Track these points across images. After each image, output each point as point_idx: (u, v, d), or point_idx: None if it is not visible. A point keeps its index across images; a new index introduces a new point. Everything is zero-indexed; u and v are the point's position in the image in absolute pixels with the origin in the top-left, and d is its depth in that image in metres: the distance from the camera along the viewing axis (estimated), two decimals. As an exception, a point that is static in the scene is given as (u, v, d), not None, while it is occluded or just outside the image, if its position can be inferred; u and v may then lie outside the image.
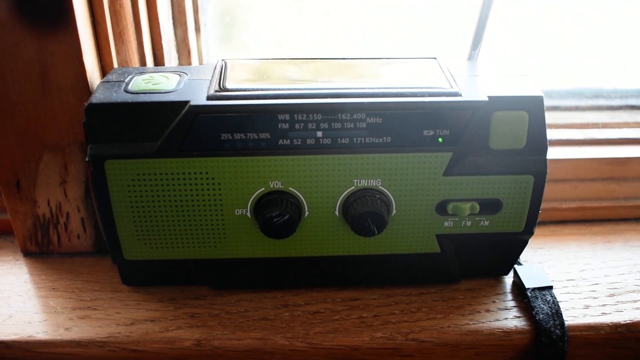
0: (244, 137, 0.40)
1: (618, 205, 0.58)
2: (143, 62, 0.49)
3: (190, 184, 0.41)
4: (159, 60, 0.51)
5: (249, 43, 0.63)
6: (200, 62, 0.57)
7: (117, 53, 0.47)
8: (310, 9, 0.63)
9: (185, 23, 0.53)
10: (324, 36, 0.63)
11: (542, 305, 0.45)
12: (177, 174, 0.41)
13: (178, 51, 0.54)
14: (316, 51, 0.63)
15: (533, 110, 0.41)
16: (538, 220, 0.45)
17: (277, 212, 0.41)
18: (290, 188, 0.42)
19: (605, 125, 0.61)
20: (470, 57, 0.48)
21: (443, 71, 0.44)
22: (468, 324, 0.44)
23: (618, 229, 0.57)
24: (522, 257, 0.51)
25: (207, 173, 0.41)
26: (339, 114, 0.40)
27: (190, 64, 0.55)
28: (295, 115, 0.40)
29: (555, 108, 0.63)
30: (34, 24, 0.43)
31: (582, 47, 0.64)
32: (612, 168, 0.57)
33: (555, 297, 0.45)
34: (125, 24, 0.47)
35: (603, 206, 0.58)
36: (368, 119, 0.40)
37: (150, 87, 0.41)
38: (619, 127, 0.62)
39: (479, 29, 0.46)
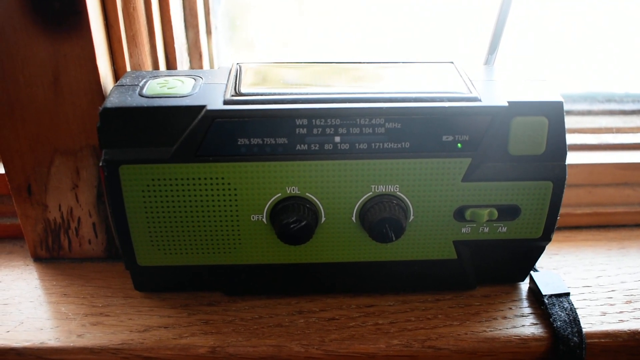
0: (260, 142, 0.39)
1: (633, 210, 0.57)
2: (156, 65, 0.49)
3: (206, 190, 0.41)
4: (171, 64, 0.51)
5: (260, 45, 0.62)
6: (211, 65, 0.56)
7: (130, 56, 0.47)
8: (320, 10, 0.62)
9: (197, 26, 0.53)
10: (336, 38, 0.63)
11: (560, 312, 0.44)
12: (193, 179, 0.40)
13: (190, 54, 0.54)
14: (329, 53, 0.63)
15: (553, 115, 0.40)
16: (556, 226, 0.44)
17: (294, 218, 0.40)
18: (307, 194, 0.41)
19: (619, 130, 0.61)
20: (487, 62, 0.47)
21: (461, 76, 0.43)
22: (485, 331, 0.44)
23: (633, 234, 0.56)
24: (537, 263, 0.50)
25: (223, 178, 0.40)
26: (358, 119, 0.39)
27: (201, 67, 0.54)
28: (313, 120, 0.39)
29: (568, 112, 0.63)
30: (48, 26, 0.42)
31: (594, 51, 0.63)
32: (626, 173, 0.57)
33: (572, 304, 0.45)
34: (139, 27, 0.46)
35: (618, 211, 0.57)
36: (387, 124, 0.39)
37: (165, 91, 0.41)
38: (633, 132, 0.61)
39: (496, 33, 0.46)
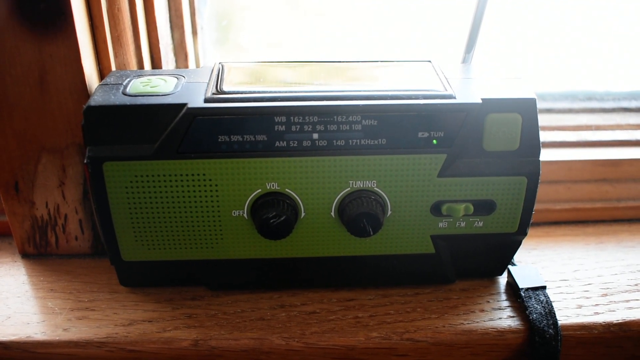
0: (240, 139, 0.40)
1: (611, 206, 0.58)
2: (141, 65, 0.50)
3: (188, 186, 0.42)
4: (156, 64, 0.51)
5: (245, 45, 0.63)
6: (197, 65, 0.57)
7: (115, 56, 0.48)
8: (306, 11, 0.63)
9: (182, 26, 0.54)
10: (319, 38, 0.64)
11: (536, 305, 0.45)
12: (175, 175, 0.41)
13: (175, 54, 0.54)
14: (312, 53, 0.64)
15: (526, 112, 0.41)
16: (531, 221, 0.45)
17: (273, 213, 0.41)
18: (286, 189, 0.42)
19: (598, 128, 0.62)
20: (465, 60, 0.48)
21: (437, 74, 0.44)
22: (462, 323, 0.45)
23: (611, 229, 0.57)
24: (516, 258, 0.51)
25: (204, 175, 0.41)
26: (335, 116, 0.40)
27: (187, 67, 0.55)
28: (292, 118, 0.40)
29: (548, 110, 0.64)
30: (33, 27, 0.43)
31: (575, 50, 0.64)
32: (605, 170, 0.58)
33: (548, 297, 0.46)
34: (123, 27, 0.47)
35: (596, 207, 0.58)
36: (363, 121, 0.40)
37: (148, 89, 0.42)
38: (612, 129, 0.62)
39: (473, 32, 0.47)
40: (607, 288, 0.49)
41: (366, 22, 0.63)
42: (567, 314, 0.46)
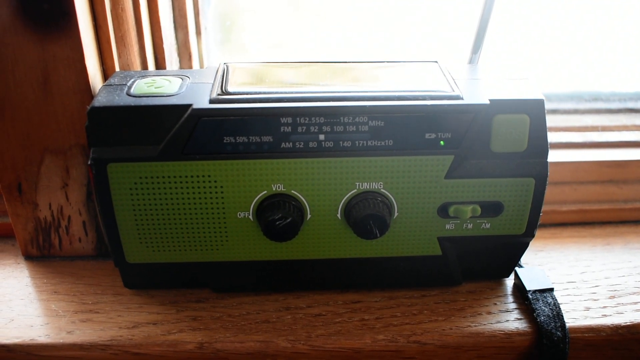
0: (246, 140, 0.40)
1: (618, 207, 0.58)
2: (145, 65, 0.49)
3: (193, 187, 0.41)
4: (160, 64, 0.51)
5: (249, 46, 0.63)
6: (201, 66, 0.57)
7: (119, 56, 0.47)
8: (309, 11, 0.63)
9: (186, 27, 0.53)
10: (323, 40, 0.63)
11: (543, 307, 0.45)
12: (180, 177, 0.41)
13: (179, 55, 0.54)
14: (316, 54, 0.63)
15: (534, 113, 0.41)
16: (539, 222, 0.45)
17: (279, 215, 0.41)
18: (292, 191, 0.42)
19: (604, 128, 0.62)
20: (471, 61, 0.48)
21: (444, 75, 0.44)
22: (469, 326, 0.44)
23: (618, 231, 0.57)
24: (523, 260, 0.51)
25: (209, 176, 0.41)
26: (341, 117, 0.40)
27: (191, 67, 0.55)
28: (298, 119, 0.40)
29: (554, 111, 0.63)
30: (37, 27, 0.43)
31: (581, 51, 0.64)
32: (611, 171, 0.58)
33: (556, 299, 0.45)
34: (127, 27, 0.47)
35: (603, 209, 0.58)
36: (370, 122, 0.40)
37: (152, 90, 0.41)
38: (618, 130, 0.62)
39: (480, 33, 0.47)
40: (615, 290, 0.48)
41: (370, 23, 0.62)
42: (575, 316, 0.45)
